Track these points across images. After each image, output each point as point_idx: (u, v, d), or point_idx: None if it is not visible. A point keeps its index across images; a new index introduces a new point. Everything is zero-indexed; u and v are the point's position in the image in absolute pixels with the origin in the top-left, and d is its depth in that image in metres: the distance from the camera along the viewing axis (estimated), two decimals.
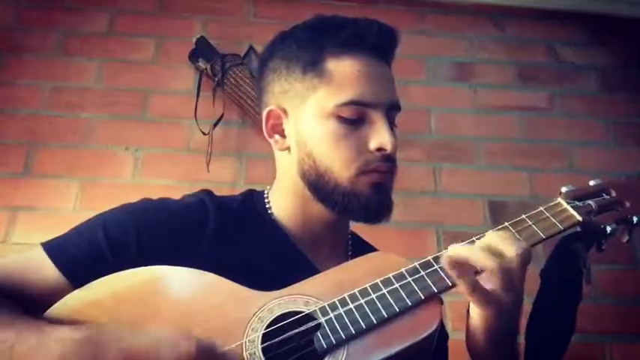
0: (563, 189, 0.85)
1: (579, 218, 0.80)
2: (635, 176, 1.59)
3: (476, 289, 0.67)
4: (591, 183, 0.88)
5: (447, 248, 0.75)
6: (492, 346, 0.72)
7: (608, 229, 0.81)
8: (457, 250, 0.69)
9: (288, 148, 0.87)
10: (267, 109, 0.88)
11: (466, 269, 0.68)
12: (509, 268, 0.67)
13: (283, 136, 0.87)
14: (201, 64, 1.82)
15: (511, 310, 0.69)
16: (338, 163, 0.81)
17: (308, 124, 0.83)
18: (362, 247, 0.95)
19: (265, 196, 0.92)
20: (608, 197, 0.86)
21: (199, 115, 1.75)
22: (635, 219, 0.84)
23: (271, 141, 0.89)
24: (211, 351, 0.60)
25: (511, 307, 0.69)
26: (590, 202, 0.83)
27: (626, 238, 0.84)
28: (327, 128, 0.81)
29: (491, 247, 0.69)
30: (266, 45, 0.93)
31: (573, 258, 0.84)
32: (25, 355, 0.58)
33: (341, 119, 0.81)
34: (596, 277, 1.69)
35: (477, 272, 0.69)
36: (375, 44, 0.85)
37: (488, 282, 0.67)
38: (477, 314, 0.71)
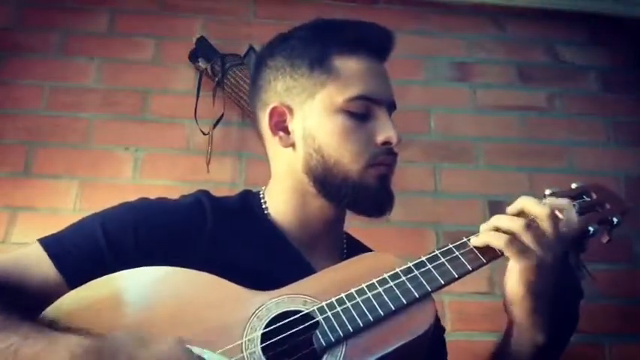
0: (547, 191, 0.88)
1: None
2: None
3: (513, 242, 0.74)
4: (573, 186, 0.91)
5: None
6: (531, 298, 0.75)
7: (591, 229, 0.84)
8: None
9: (293, 145, 0.87)
10: (271, 106, 0.88)
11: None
12: (539, 224, 0.76)
13: (287, 132, 0.88)
14: (201, 64, 1.81)
15: (547, 268, 0.74)
16: (347, 156, 0.83)
17: (316, 119, 0.85)
18: (356, 248, 0.96)
19: (261, 196, 0.92)
20: (589, 199, 0.89)
21: (199, 115, 1.75)
22: (615, 220, 0.86)
23: (275, 138, 0.89)
24: None
25: (544, 264, 0.74)
26: (573, 203, 0.86)
27: (606, 239, 0.87)
28: (336, 122, 0.84)
29: (524, 210, 0.79)
30: (264, 45, 0.93)
31: (564, 256, 0.86)
32: (29, 359, 0.57)
33: (349, 114, 0.84)
34: (596, 277, 1.68)
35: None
36: (376, 46, 0.89)
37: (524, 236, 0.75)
38: (514, 268, 0.76)
